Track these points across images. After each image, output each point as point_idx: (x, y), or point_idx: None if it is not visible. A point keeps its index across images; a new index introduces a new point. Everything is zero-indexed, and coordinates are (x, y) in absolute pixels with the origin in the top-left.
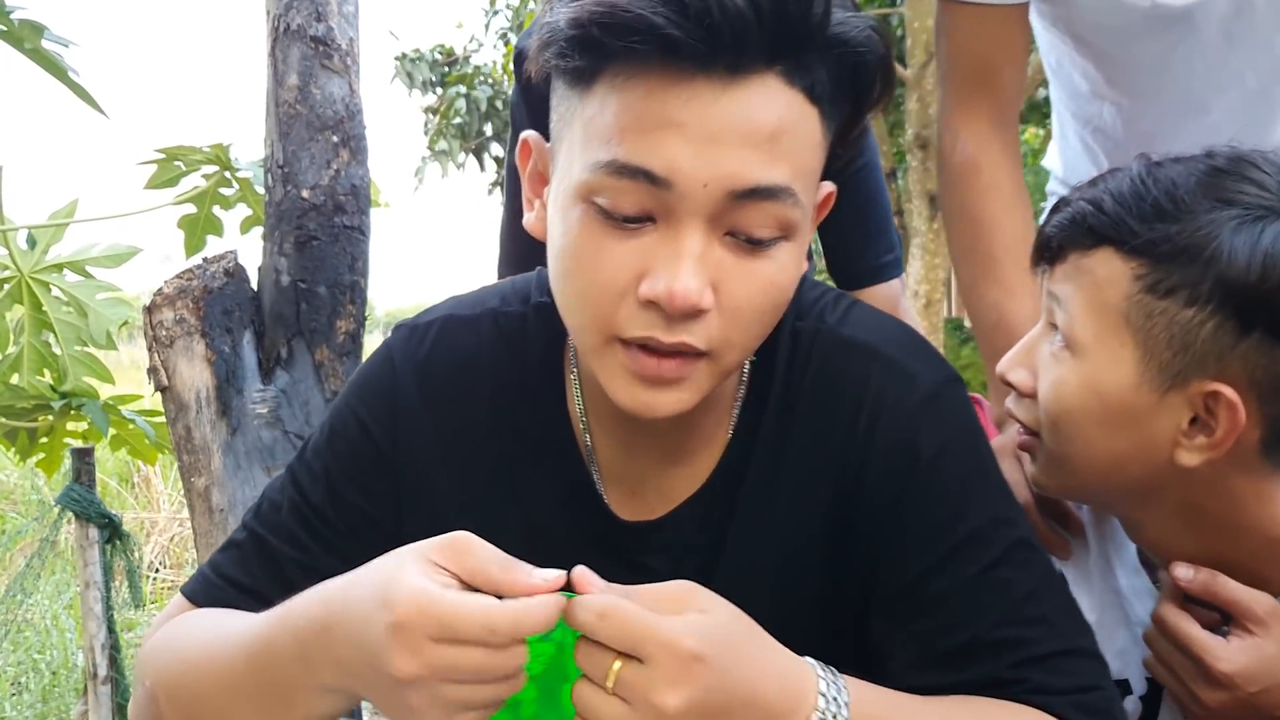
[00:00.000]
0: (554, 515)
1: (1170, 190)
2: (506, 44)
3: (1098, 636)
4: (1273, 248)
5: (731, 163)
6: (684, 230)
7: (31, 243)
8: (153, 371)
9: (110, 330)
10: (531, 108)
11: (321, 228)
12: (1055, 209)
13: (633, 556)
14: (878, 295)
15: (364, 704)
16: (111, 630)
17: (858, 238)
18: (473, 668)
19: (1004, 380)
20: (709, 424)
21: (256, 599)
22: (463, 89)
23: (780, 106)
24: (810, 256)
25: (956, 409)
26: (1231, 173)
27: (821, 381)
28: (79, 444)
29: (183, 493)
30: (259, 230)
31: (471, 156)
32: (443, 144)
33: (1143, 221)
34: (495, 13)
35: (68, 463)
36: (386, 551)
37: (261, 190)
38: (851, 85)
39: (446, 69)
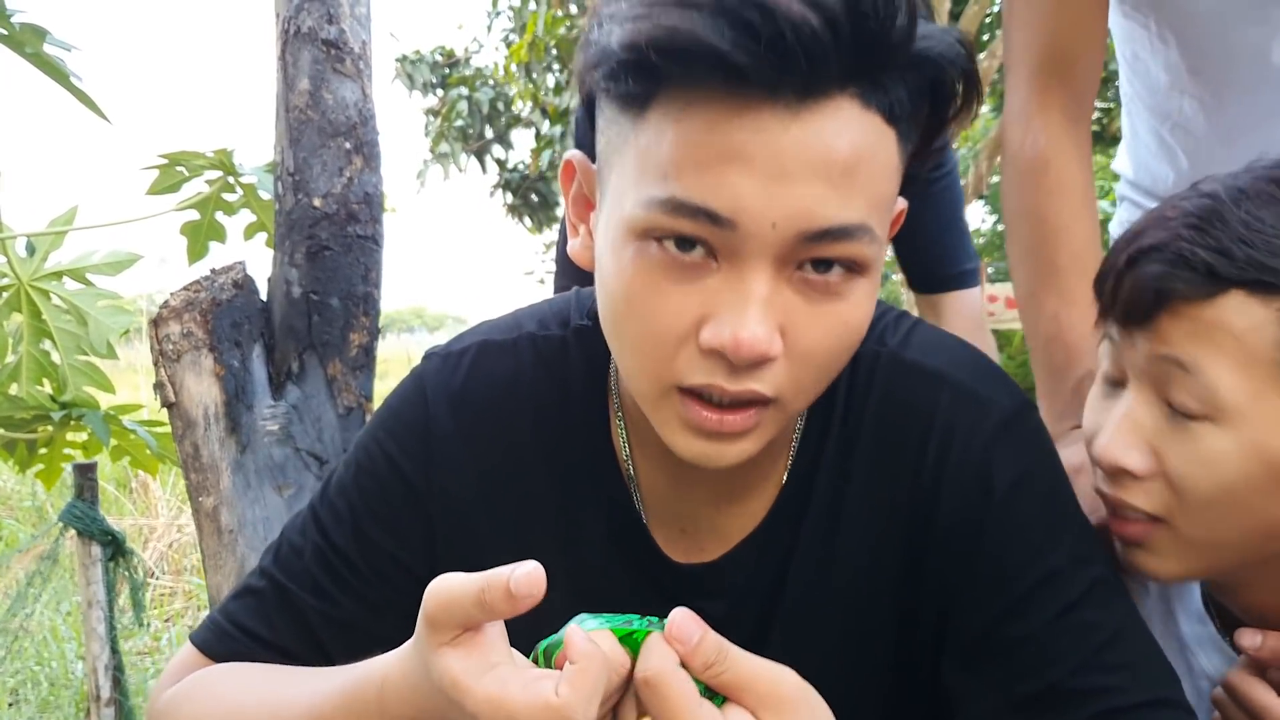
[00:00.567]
0: (602, 556)
1: None
2: (509, 46)
3: None
4: None
5: (803, 200)
6: (750, 271)
7: (31, 250)
8: (159, 387)
9: (111, 339)
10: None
11: (334, 237)
12: (1131, 261)
13: (687, 601)
14: (961, 301)
15: None
16: (115, 651)
17: (942, 245)
18: None
19: (1114, 467)
20: (766, 460)
21: (278, 653)
22: (464, 91)
23: (856, 133)
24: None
25: (1032, 436)
26: None
27: (886, 410)
28: (79, 455)
29: (181, 498)
30: (263, 235)
31: (473, 159)
32: (444, 146)
33: (1276, 257)
34: (497, 14)
35: (68, 474)
36: (417, 598)
37: (265, 195)
38: (931, 101)
39: (447, 71)
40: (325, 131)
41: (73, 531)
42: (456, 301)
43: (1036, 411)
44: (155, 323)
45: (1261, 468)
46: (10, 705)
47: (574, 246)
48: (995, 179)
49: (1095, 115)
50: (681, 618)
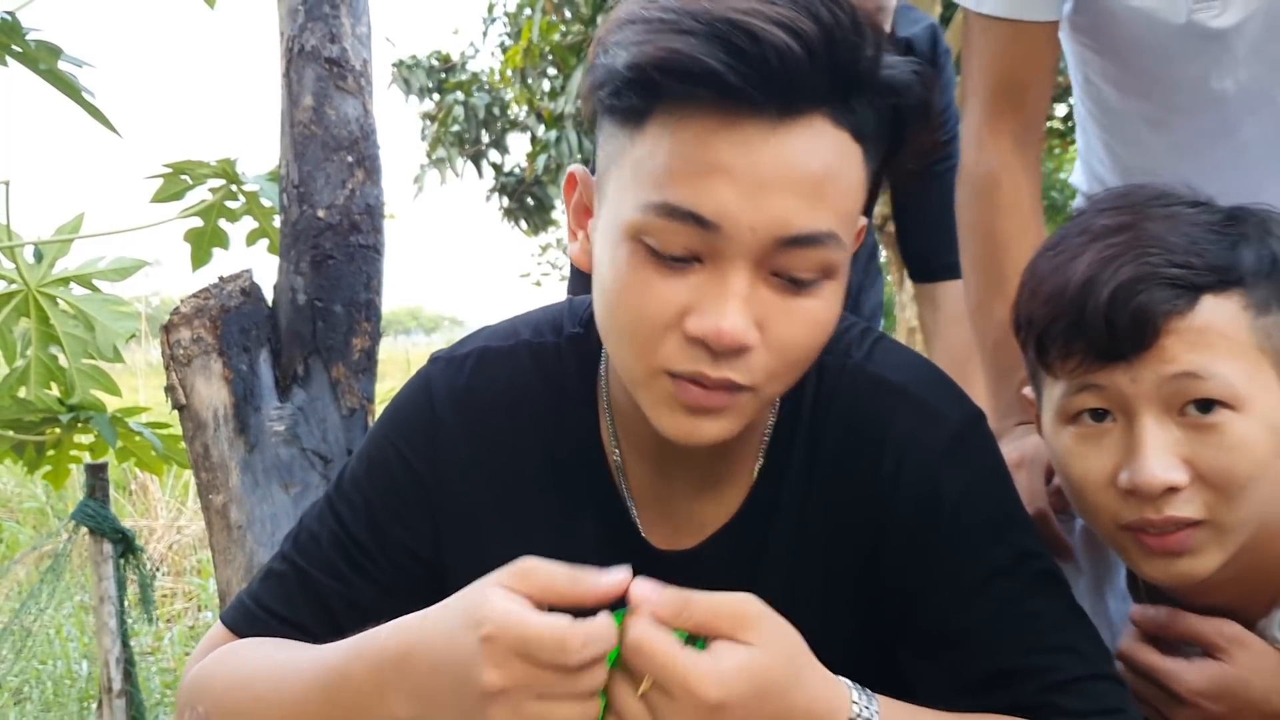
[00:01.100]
0: (592, 544)
1: (1232, 219)
2: (504, 51)
3: None
4: None
5: (778, 209)
6: (730, 270)
7: (38, 257)
8: (170, 390)
9: (117, 343)
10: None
11: (337, 247)
12: (1113, 299)
13: (669, 584)
14: (953, 292)
15: None
16: (126, 644)
17: (941, 233)
18: (550, 685)
19: (1163, 488)
20: (739, 451)
21: (300, 631)
22: (460, 96)
23: (827, 149)
24: (875, 254)
25: (981, 447)
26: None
27: (849, 418)
28: (86, 456)
29: (180, 500)
30: (265, 241)
31: (470, 163)
32: (441, 151)
33: (1229, 255)
34: (493, 20)
35: (76, 476)
36: (427, 582)
37: (267, 203)
38: (893, 125)
39: (444, 75)
40: (328, 146)
41: (82, 531)
42: (453, 303)
43: (985, 422)
44: (166, 328)
45: (1274, 438)
46: (15, 704)
47: (573, 250)
48: None
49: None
50: (638, 583)
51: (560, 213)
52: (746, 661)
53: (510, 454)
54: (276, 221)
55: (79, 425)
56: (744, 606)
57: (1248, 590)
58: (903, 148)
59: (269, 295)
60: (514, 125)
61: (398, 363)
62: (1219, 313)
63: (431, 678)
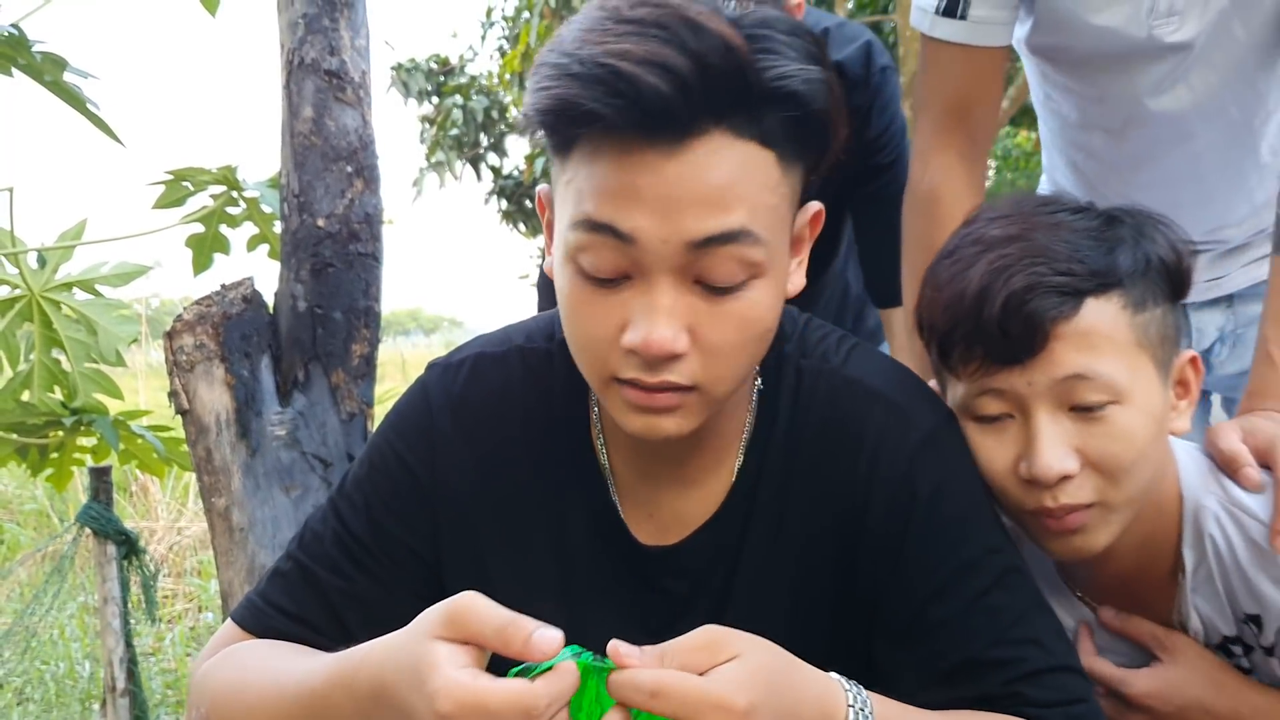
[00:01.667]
0: (582, 539)
1: (1109, 223)
2: (503, 55)
3: None
4: (1170, 237)
5: (685, 219)
6: (655, 284)
7: (42, 262)
8: (174, 395)
9: (119, 347)
10: None
11: (337, 255)
12: (1005, 307)
13: (654, 580)
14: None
15: None
16: (129, 644)
17: (887, 259)
18: None
19: (1059, 477)
20: (717, 448)
21: (305, 625)
22: (459, 99)
23: (729, 160)
24: (847, 277)
25: (951, 448)
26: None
27: (825, 420)
28: (89, 459)
29: (181, 502)
30: (265, 247)
31: (468, 166)
32: (440, 154)
33: (1107, 259)
34: (491, 24)
35: (78, 478)
36: (426, 578)
37: (268, 209)
38: (807, 129)
39: (442, 79)
40: (328, 156)
41: (87, 533)
42: (452, 305)
43: (957, 424)
44: (170, 335)
45: (1153, 423)
46: (18, 705)
47: (547, 264)
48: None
49: None
50: (614, 647)
51: None
52: (746, 668)
53: (504, 455)
54: (277, 227)
55: (81, 428)
56: (710, 633)
57: (1147, 557)
58: (828, 148)
59: (270, 301)
60: (512, 128)
61: (396, 364)
62: (1101, 314)
63: None
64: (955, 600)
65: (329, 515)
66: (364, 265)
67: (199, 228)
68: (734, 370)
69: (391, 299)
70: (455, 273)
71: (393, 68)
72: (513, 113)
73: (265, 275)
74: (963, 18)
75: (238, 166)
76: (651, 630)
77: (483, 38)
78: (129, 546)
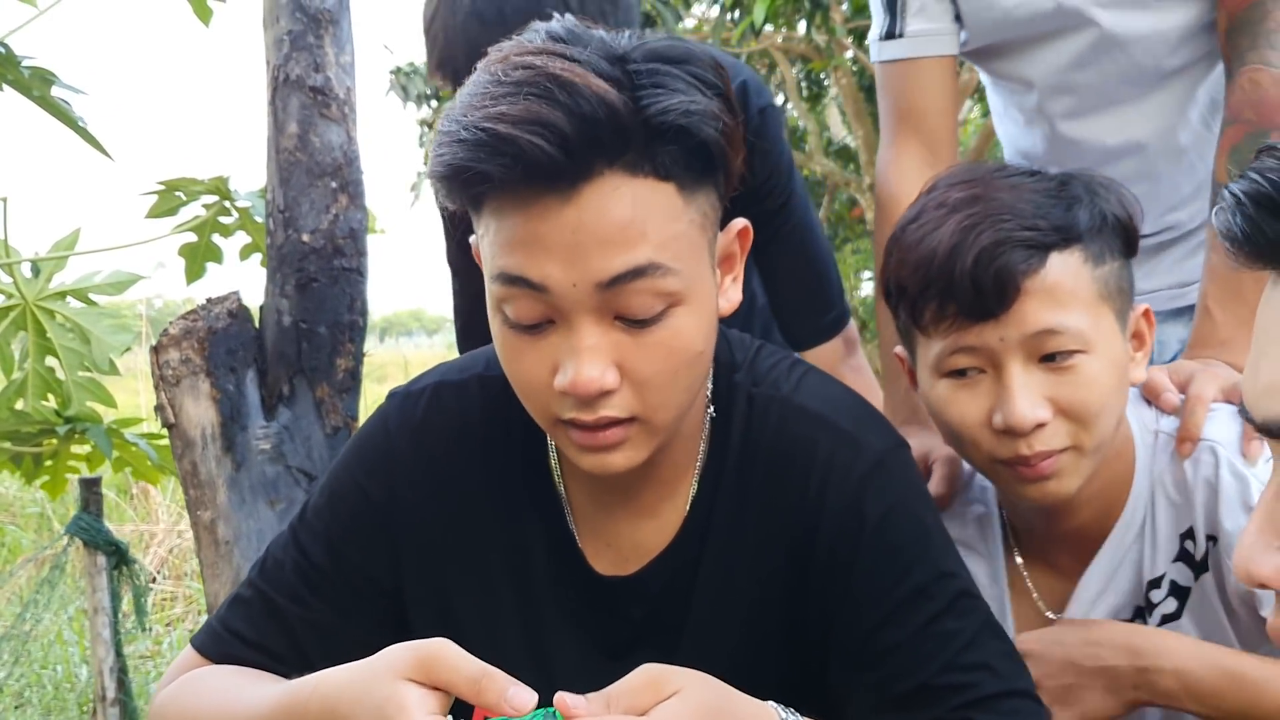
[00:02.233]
0: (542, 569)
1: (1064, 184)
2: None
3: None
4: (1120, 195)
5: (590, 261)
6: (576, 326)
7: (35, 271)
8: (160, 409)
9: (113, 356)
10: None
11: (321, 270)
12: (977, 262)
13: (613, 609)
14: (817, 357)
15: None
16: (119, 654)
17: (793, 302)
18: None
19: (1032, 425)
20: (671, 478)
21: (265, 653)
22: None
23: (625, 199)
24: (754, 287)
25: (901, 473)
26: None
27: (776, 447)
28: (83, 467)
29: (181, 506)
30: (258, 256)
31: None
32: None
33: (1067, 216)
34: None
35: (73, 486)
36: (386, 607)
37: (260, 219)
38: (699, 158)
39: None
40: (313, 172)
41: (79, 541)
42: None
43: (907, 450)
44: (155, 350)
45: (1117, 371)
46: (16, 708)
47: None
48: None
49: None
50: (560, 699)
51: None
52: (687, 704)
53: (463, 485)
54: None
55: (75, 436)
56: (650, 672)
57: (1101, 507)
58: (729, 169)
59: (255, 316)
60: None
61: (398, 365)
62: (1065, 268)
63: None
64: (906, 626)
65: (289, 543)
66: (348, 280)
67: (192, 237)
68: (670, 397)
69: (394, 300)
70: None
71: (392, 71)
72: None
73: (259, 284)
74: (901, 36)
75: (229, 176)
76: (612, 657)
77: None
78: (119, 557)
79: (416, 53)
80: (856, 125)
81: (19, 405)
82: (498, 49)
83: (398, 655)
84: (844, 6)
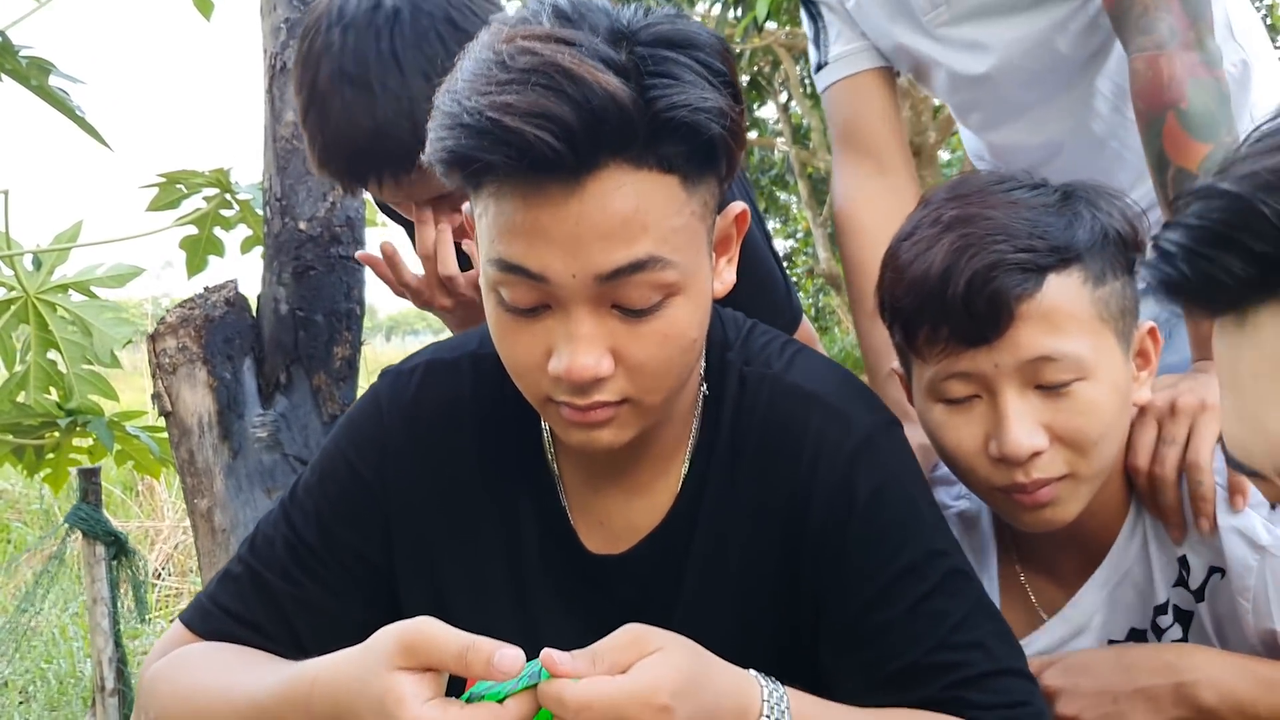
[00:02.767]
0: (534, 547)
1: (1065, 199)
2: None
3: None
4: (1123, 208)
5: (591, 254)
6: (573, 314)
7: (37, 264)
8: (157, 397)
9: (114, 349)
10: None
11: (318, 258)
12: (969, 286)
13: (605, 588)
14: None
15: None
16: (118, 644)
17: (743, 310)
18: None
19: (1029, 453)
20: (662, 456)
21: (254, 630)
22: None
23: (630, 191)
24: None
25: (891, 451)
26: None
27: (767, 426)
28: (84, 460)
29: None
30: (259, 249)
31: None
32: None
33: (1066, 234)
34: None
35: (75, 481)
36: (377, 585)
37: (261, 212)
38: (701, 147)
39: None
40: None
41: (79, 533)
42: None
43: (898, 427)
44: (153, 338)
45: (1119, 395)
46: (20, 703)
47: (478, 277)
48: None
49: None
50: (548, 655)
51: None
52: (666, 661)
53: (455, 463)
54: None
55: (77, 429)
56: (632, 631)
57: (1103, 520)
58: (734, 160)
59: (253, 304)
60: None
61: None
62: (1063, 290)
63: None
64: (897, 604)
65: (280, 521)
66: (345, 268)
67: (193, 230)
68: (663, 381)
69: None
70: None
71: None
72: None
73: (259, 276)
74: (828, 63)
75: (230, 169)
76: (604, 635)
77: None
78: (118, 547)
79: None
80: None
81: (21, 398)
82: (501, 21)
83: (385, 646)
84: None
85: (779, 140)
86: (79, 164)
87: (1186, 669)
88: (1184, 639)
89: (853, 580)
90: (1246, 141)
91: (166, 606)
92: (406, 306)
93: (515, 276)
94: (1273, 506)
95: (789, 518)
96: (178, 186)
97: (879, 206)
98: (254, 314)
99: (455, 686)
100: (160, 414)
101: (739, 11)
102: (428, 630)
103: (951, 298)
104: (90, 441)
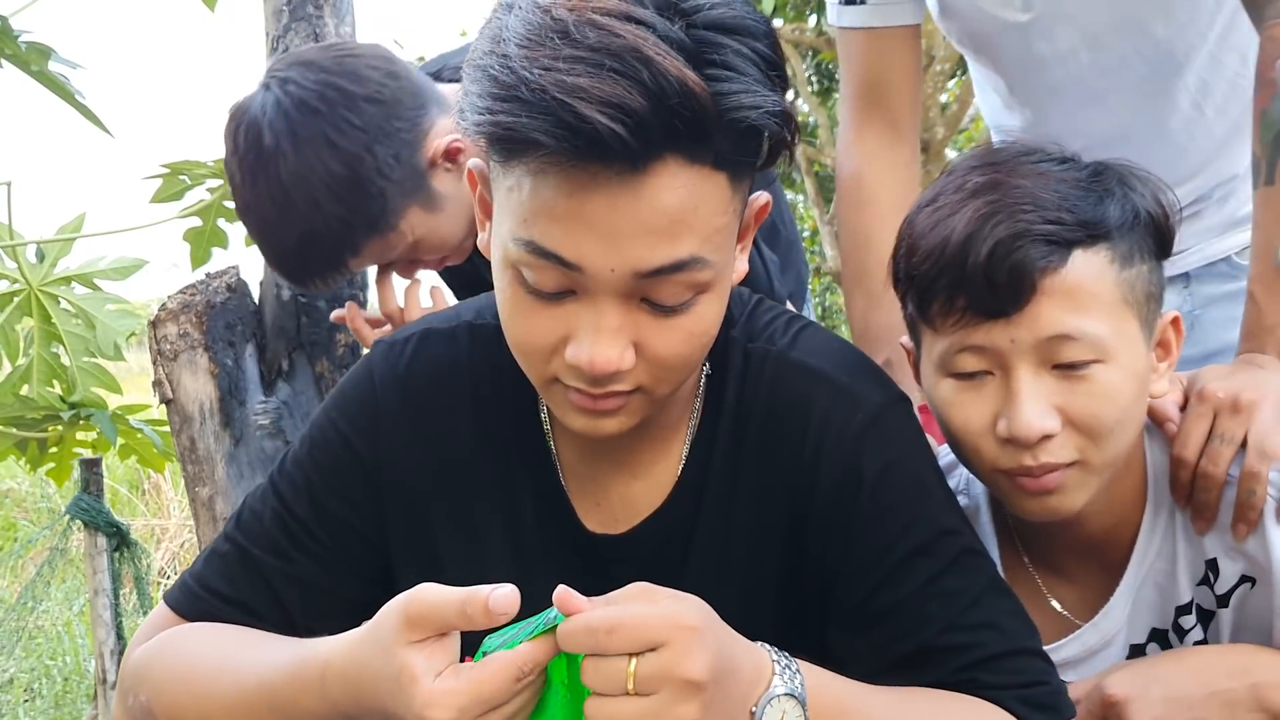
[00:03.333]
0: (532, 523)
1: (1097, 175)
2: None
3: None
4: (1156, 191)
5: (635, 250)
6: (601, 304)
7: (40, 256)
8: (157, 385)
9: (118, 342)
10: None
11: None
12: (991, 256)
13: (604, 567)
14: None
15: None
16: (120, 637)
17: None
18: (516, 708)
19: (1040, 435)
20: (663, 436)
21: (242, 610)
22: None
23: (681, 188)
24: (796, 245)
25: (899, 428)
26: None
27: (772, 404)
28: (88, 454)
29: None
30: None
31: None
32: None
33: (1096, 210)
34: None
35: (77, 472)
36: (370, 559)
37: None
38: (754, 146)
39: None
40: None
41: (81, 525)
42: None
43: (908, 404)
44: (153, 324)
45: (1138, 384)
46: (26, 700)
47: (482, 239)
48: None
49: None
50: (564, 592)
51: None
52: (687, 597)
53: (450, 434)
54: None
55: (81, 422)
56: (644, 585)
57: (1110, 521)
58: (775, 159)
59: (255, 290)
60: None
61: None
62: (1089, 267)
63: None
64: (907, 585)
65: (269, 495)
66: None
67: (196, 221)
68: (679, 374)
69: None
70: None
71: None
72: None
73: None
74: (863, 2)
75: None
76: None
77: None
78: (120, 539)
79: (426, 47)
80: None
81: (24, 391)
82: None
83: (391, 624)
84: None
85: None
86: (82, 155)
87: (1260, 669)
88: (1204, 640)
89: (861, 561)
90: None
91: None
92: None
93: (545, 262)
94: None
95: (795, 497)
96: (181, 177)
97: (894, 178)
98: (256, 300)
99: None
100: (161, 401)
101: None
102: (426, 597)
103: (972, 266)
104: (93, 435)
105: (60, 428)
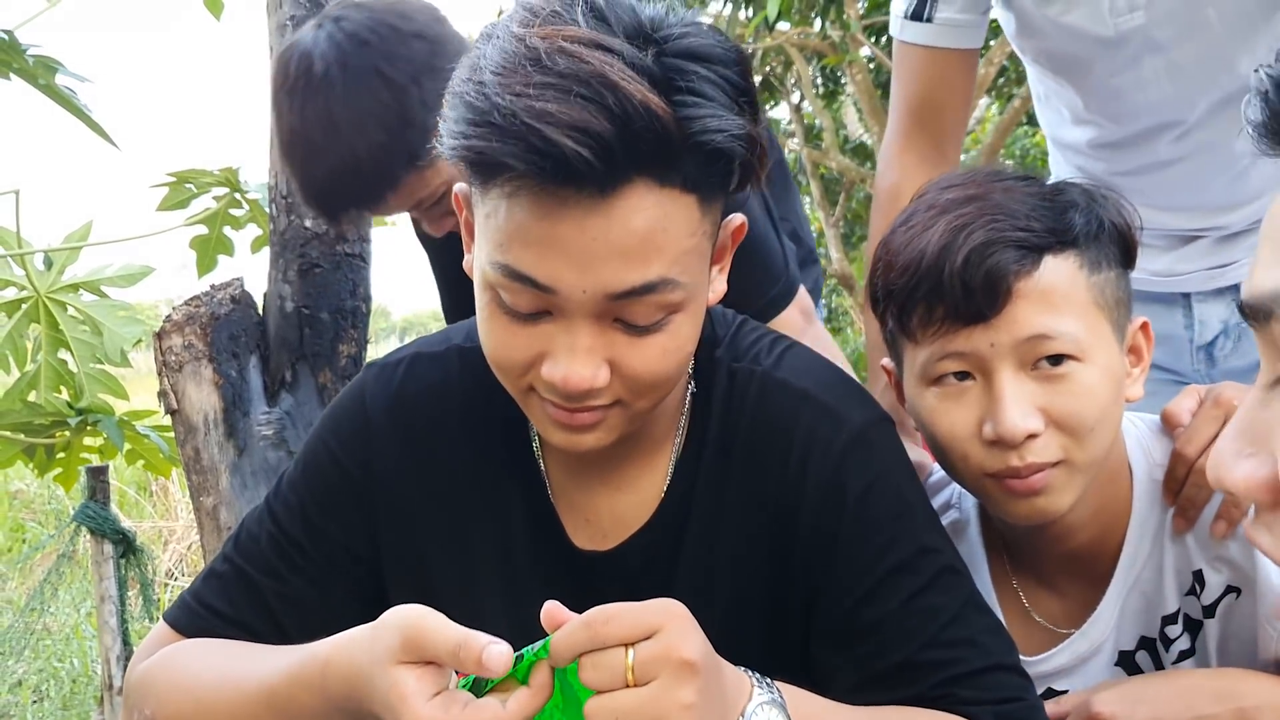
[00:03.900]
0: (522, 541)
1: (1059, 190)
2: None
3: None
4: (1119, 204)
5: (606, 273)
6: (575, 325)
7: (48, 264)
8: (162, 395)
9: (125, 348)
10: None
11: (324, 255)
12: (966, 263)
13: (592, 584)
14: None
15: None
16: (127, 642)
17: (740, 282)
18: None
19: (1024, 436)
20: (649, 453)
21: (240, 628)
22: None
23: (651, 210)
24: (815, 262)
25: (883, 448)
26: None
27: (757, 423)
28: (95, 459)
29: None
30: (269, 249)
31: None
32: None
33: (1062, 220)
34: None
35: (84, 478)
36: (364, 579)
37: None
38: (722, 169)
39: None
40: None
41: (88, 531)
42: None
43: (890, 424)
44: (159, 335)
45: (1113, 382)
46: (34, 702)
47: (467, 262)
48: None
49: None
50: (552, 608)
51: None
52: (676, 605)
53: (441, 456)
54: None
55: (88, 428)
56: (626, 603)
57: (1096, 532)
58: (746, 181)
59: (259, 302)
60: None
61: None
62: (1060, 272)
63: None
64: (889, 602)
65: (265, 517)
66: (351, 266)
67: (202, 229)
68: (656, 390)
69: (415, 301)
70: None
71: None
72: None
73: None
74: (929, 20)
75: (240, 167)
76: None
77: None
78: (126, 545)
79: None
80: (873, 122)
81: (31, 397)
82: (524, 6)
83: (388, 639)
84: (859, 3)
85: (791, 141)
86: (89, 164)
87: (1246, 694)
88: (1191, 649)
89: (844, 578)
90: None
91: None
92: (421, 307)
93: (520, 285)
94: None
95: (779, 515)
96: (187, 186)
97: None
98: (260, 311)
99: None
100: (166, 412)
101: (750, 11)
102: (427, 626)
103: (950, 274)
104: (100, 441)
105: (68, 434)
